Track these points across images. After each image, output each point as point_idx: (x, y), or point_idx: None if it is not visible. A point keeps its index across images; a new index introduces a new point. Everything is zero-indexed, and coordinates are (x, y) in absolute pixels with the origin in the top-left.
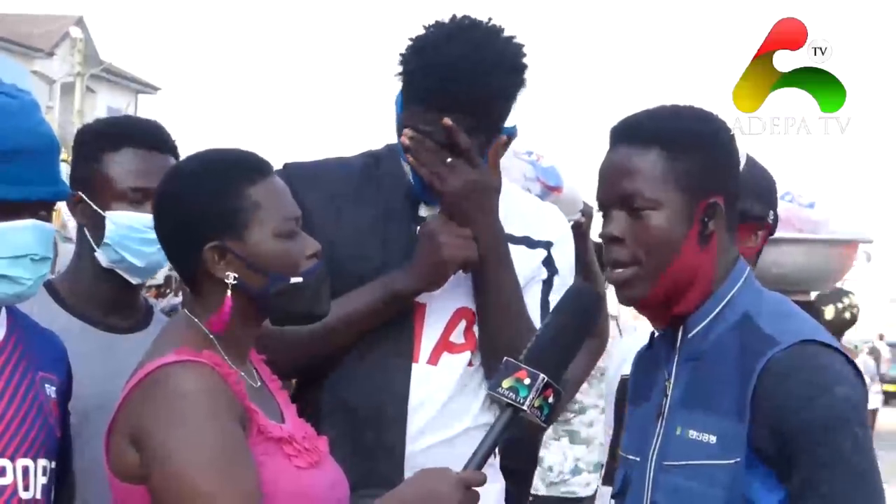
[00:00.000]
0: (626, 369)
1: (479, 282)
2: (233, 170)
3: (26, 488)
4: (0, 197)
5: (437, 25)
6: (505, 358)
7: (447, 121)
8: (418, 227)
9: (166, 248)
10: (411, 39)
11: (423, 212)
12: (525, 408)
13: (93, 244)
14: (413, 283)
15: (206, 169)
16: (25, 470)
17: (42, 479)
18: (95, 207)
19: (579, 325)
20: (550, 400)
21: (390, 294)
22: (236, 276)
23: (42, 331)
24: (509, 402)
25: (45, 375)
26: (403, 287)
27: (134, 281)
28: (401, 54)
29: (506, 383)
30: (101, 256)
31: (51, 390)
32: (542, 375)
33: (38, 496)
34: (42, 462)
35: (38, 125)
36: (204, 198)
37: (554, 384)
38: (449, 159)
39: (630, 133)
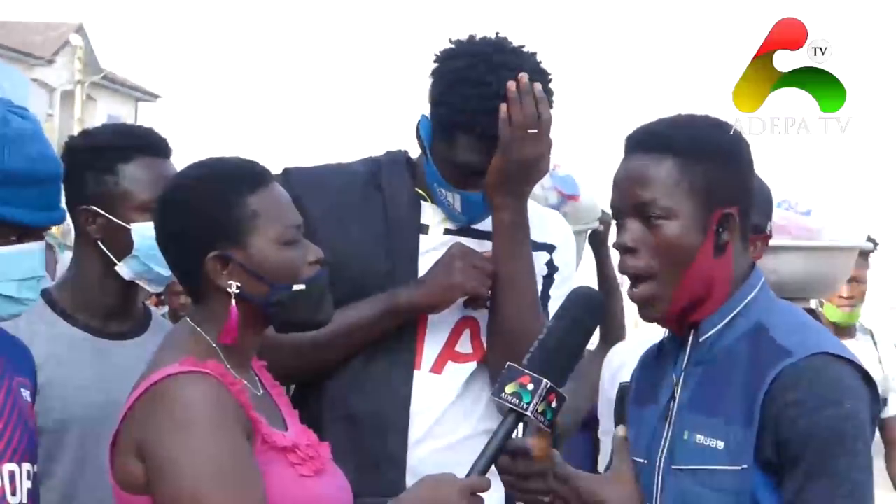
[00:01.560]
0: (624, 375)
1: (496, 255)
2: (233, 179)
3: (13, 493)
4: (22, 221)
5: (439, 55)
6: (508, 363)
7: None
8: (422, 235)
9: (168, 257)
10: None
11: (426, 219)
12: (529, 413)
13: (112, 258)
14: (417, 299)
15: (207, 178)
16: (12, 475)
17: (27, 484)
18: (118, 221)
19: (582, 330)
20: (554, 405)
21: (393, 307)
22: (238, 284)
23: (10, 337)
24: (512, 407)
25: (21, 380)
26: (407, 302)
27: (154, 290)
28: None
29: (509, 389)
30: (125, 269)
31: (26, 394)
32: (545, 381)
33: (25, 501)
34: (26, 466)
35: (49, 148)
36: (205, 207)
37: (557, 389)
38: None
39: (646, 141)
